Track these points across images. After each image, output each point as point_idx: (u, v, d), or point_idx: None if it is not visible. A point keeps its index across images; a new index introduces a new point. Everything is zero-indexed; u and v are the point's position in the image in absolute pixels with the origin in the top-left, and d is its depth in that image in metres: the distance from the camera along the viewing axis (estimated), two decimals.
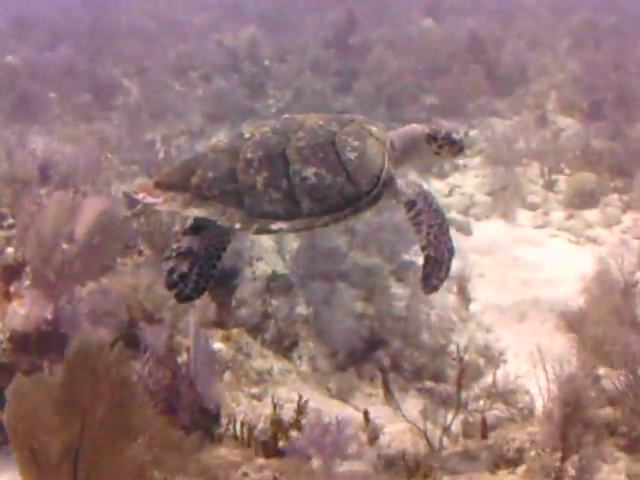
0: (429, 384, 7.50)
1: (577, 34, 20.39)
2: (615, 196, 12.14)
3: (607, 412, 5.19)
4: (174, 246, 4.17)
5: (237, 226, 4.12)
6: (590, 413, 4.56)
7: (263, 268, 8.39)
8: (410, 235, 9.84)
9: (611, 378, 5.34)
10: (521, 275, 10.04)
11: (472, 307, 9.07)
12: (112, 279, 7.06)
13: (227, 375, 6.55)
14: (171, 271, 4.08)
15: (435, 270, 4.42)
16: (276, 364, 6.84)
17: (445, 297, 8.70)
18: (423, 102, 17.01)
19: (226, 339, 6.82)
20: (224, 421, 6.01)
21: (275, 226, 4.16)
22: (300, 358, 7.15)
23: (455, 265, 9.01)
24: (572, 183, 12.38)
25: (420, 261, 8.36)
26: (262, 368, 6.70)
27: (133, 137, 13.86)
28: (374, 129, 4.67)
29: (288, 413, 6.23)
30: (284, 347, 7.22)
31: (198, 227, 4.22)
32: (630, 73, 17.34)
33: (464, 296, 8.90)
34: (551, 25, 21.81)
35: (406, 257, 9.12)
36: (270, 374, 6.68)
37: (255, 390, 6.48)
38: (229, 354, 6.70)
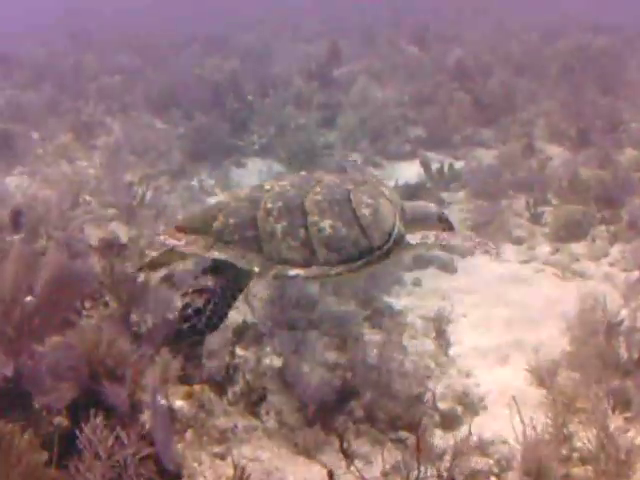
0: (404, 435, 7.28)
1: (566, 58, 20.29)
2: (602, 227, 11.96)
3: (579, 472, 4.99)
4: (192, 282, 4.45)
5: (256, 270, 4.38)
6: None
7: (234, 317, 8.22)
8: (385, 280, 9.75)
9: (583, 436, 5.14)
10: (505, 314, 9.83)
11: (453, 350, 8.87)
12: (74, 334, 6.88)
13: (189, 434, 6.35)
14: (186, 306, 4.41)
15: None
16: (241, 421, 6.62)
17: (423, 343, 8.53)
18: (408, 134, 16.92)
19: (188, 396, 6.62)
20: None
21: (292, 272, 4.44)
22: (267, 413, 6.93)
23: (434, 307, 8.94)
24: (558, 216, 12.19)
25: (396, 306, 8.20)
26: (225, 426, 6.48)
27: (112, 178, 13.71)
28: (387, 191, 5.09)
29: (253, 473, 6.12)
30: (251, 402, 7.00)
31: (216, 269, 4.48)
32: (619, 97, 17.24)
33: (443, 340, 8.67)
34: (539, 50, 21.73)
35: (381, 302, 8.96)
36: (233, 432, 6.47)
37: (218, 449, 6.27)
38: (191, 412, 6.49)
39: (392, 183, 14.47)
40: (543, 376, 7.05)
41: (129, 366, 6.51)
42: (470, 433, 7.05)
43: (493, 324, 9.61)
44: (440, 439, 7.28)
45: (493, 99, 17.89)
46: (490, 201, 12.98)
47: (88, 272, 7.76)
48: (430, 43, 21.96)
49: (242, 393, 7.14)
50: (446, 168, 14.48)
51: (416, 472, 5.41)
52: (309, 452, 6.52)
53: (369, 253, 4.64)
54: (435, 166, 14.70)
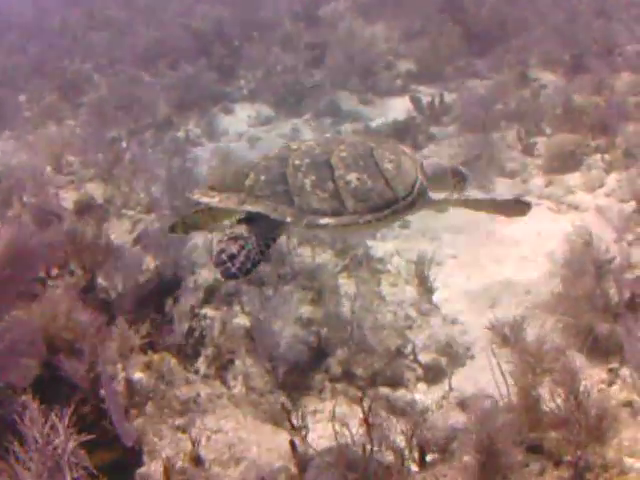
0: (385, 391, 6.74)
1: None
2: (597, 156, 11.15)
3: (550, 438, 4.39)
4: (227, 232, 4.47)
5: (288, 219, 4.48)
6: (511, 459, 3.78)
7: (205, 276, 7.67)
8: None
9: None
10: (496, 253, 9.21)
11: (439, 295, 8.28)
12: (31, 308, 6.38)
13: (149, 407, 5.84)
14: (221, 251, 4.35)
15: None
16: (203, 390, 6.09)
17: (404, 290, 7.92)
18: (399, 69, 16.10)
19: (147, 367, 6.10)
20: (146, 458, 5.42)
21: (323, 221, 4.54)
22: (235, 378, 6.40)
23: (417, 251, 8.31)
24: (551, 146, 11.42)
25: (378, 251, 7.44)
26: (187, 396, 5.96)
27: (94, 136, 13.07)
28: (407, 150, 5.19)
29: (215, 445, 5.62)
30: (218, 367, 6.48)
31: (250, 220, 4.54)
32: (613, 20, 16.25)
33: (427, 285, 8.04)
34: None
35: (362, 249, 8.36)
36: (196, 402, 5.94)
37: (180, 421, 5.76)
38: (150, 383, 5.97)
39: (382, 119, 13.81)
40: (506, 334, 6.19)
41: (87, 339, 6.04)
42: (450, 388, 6.55)
43: (483, 264, 9.01)
44: (423, 394, 6.79)
45: (485, 28, 16.93)
46: (481, 134, 12.18)
47: (49, 242, 7.29)
48: None
49: (208, 358, 6.64)
50: (437, 101, 13.68)
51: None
52: (277, 419, 5.97)
53: (395, 203, 4.78)
54: (425, 100, 13.88)
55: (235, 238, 4.42)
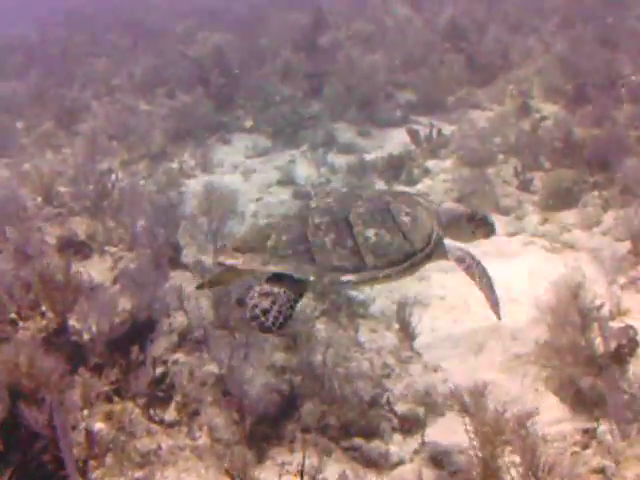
0: (358, 442, 6.59)
1: (564, 11, 19.12)
2: (595, 193, 11.01)
3: None
4: (257, 289, 4.78)
5: (312, 278, 4.77)
6: None
7: (180, 319, 7.56)
8: None
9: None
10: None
11: (424, 339, 8.15)
12: None
13: (109, 458, 5.74)
14: (254, 306, 4.67)
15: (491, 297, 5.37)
16: (166, 441, 5.98)
17: (383, 337, 7.78)
18: (398, 99, 16.05)
19: (108, 416, 5.99)
20: None
21: (345, 278, 4.82)
22: (200, 429, 6.27)
23: (403, 292, 8.18)
24: (547, 182, 11.29)
25: (359, 295, 7.36)
26: (148, 447, 5.85)
27: (85, 167, 13.04)
28: (422, 200, 5.46)
29: None
30: (185, 416, 6.36)
31: (275, 279, 4.83)
32: (618, 49, 16.12)
33: (407, 332, 7.90)
34: (537, 4, 20.53)
35: (342, 292, 8.26)
36: (157, 454, 5.82)
37: (139, 474, 5.65)
38: (111, 434, 5.87)
39: (379, 152, 13.73)
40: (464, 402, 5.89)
41: (49, 387, 5.96)
42: (423, 442, 6.40)
43: (471, 307, 8.84)
44: (398, 445, 6.64)
45: (488, 58, 16.88)
46: (477, 168, 12.07)
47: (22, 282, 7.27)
48: (422, 3, 20.90)
49: (177, 405, 6.52)
50: (434, 134, 13.60)
51: None
52: (242, 472, 5.83)
53: (412, 255, 5.01)
54: (423, 132, 13.79)
55: (266, 294, 4.72)
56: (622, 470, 5.05)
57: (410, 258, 4.98)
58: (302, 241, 4.88)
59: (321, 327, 7.68)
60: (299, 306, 7.76)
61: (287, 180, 13.26)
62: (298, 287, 4.84)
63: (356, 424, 6.66)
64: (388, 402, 6.85)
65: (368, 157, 13.67)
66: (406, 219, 5.10)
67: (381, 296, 8.88)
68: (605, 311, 7.58)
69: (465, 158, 12.61)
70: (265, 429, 6.49)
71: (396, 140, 14.37)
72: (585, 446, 5.55)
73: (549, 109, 14.79)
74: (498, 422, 4.83)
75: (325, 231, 4.91)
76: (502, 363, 7.64)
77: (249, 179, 13.74)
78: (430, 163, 13.01)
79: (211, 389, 6.63)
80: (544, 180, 11.53)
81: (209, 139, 15.60)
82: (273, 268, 4.83)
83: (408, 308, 8.02)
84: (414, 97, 16.14)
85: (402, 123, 15.24)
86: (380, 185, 12.52)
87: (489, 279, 5.41)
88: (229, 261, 4.99)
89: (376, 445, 6.57)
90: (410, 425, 6.79)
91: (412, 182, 12.39)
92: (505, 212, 11.13)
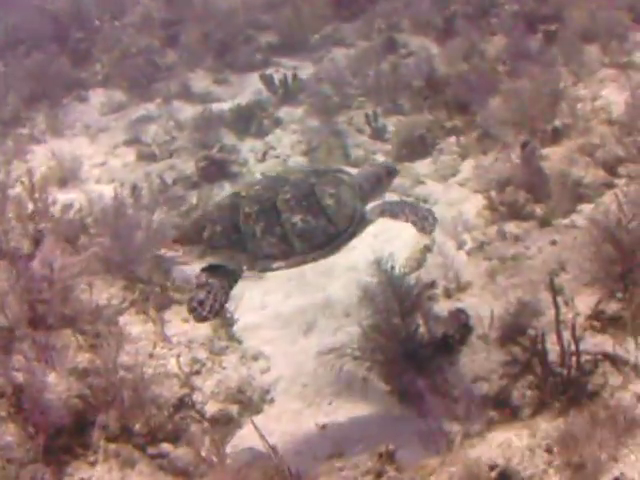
0: (166, 448, 6.19)
1: None
2: (452, 140, 10.63)
3: None
4: (194, 281, 5.39)
5: (244, 268, 5.37)
6: None
7: None
8: None
9: None
10: (328, 262, 8.63)
11: (251, 319, 7.75)
12: None
13: None
14: (191, 299, 5.25)
15: (424, 223, 5.85)
16: None
17: (195, 327, 7.29)
18: (259, 42, 15.39)
19: None
20: None
21: (275, 264, 5.39)
22: None
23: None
24: (399, 129, 10.86)
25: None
26: None
27: None
28: (346, 177, 5.88)
29: None
30: None
31: (212, 267, 5.38)
32: None
33: (223, 319, 7.44)
34: None
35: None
36: None
37: None
38: None
39: (238, 101, 13.15)
40: None
41: None
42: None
43: (307, 277, 8.42)
44: (207, 451, 6.24)
45: None
46: (330, 116, 11.58)
47: None
48: None
49: None
50: (290, 79, 13.02)
51: None
52: None
53: (337, 237, 5.51)
54: (278, 78, 13.20)
55: (202, 285, 5.27)
56: None
57: (335, 240, 5.51)
58: (234, 231, 5.36)
59: (129, 320, 7.17)
60: (105, 299, 7.36)
61: (134, 140, 12.62)
62: (234, 272, 5.37)
63: (163, 429, 6.28)
64: (193, 402, 6.45)
65: (225, 106, 13.04)
66: (330, 201, 5.51)
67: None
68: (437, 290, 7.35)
69: (317, 105, 12.08)
70: (66, 441, 6.01)
71: (255, 87, 13.75)
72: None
73: (418, 43, 14.27)
74: None
75: (255, 220, 5.36)
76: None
77: (96, 140, 13.06)
78: (282, 112, 12.47)
79: (6, 401, 6.07)
80: (396, 127, 11.09)
81: (65, 98, 14.89)
82: (210, 259, 5.36)
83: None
84: (276, 38, 15.45)
85: (263, 66, 14.64)
86: (231, 139, 11.98)
87: (412, 205, 6.21)
88: (170, 253, 5.83)
89: (184, 451, 6.19)
90: (221, 426, 6.42)
91: (263, 134, 11.87)
92: (355, 165, 10.47)
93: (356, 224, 5.64)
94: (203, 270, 5.39)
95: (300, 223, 5.38)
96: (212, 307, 5.16)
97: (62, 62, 15.69)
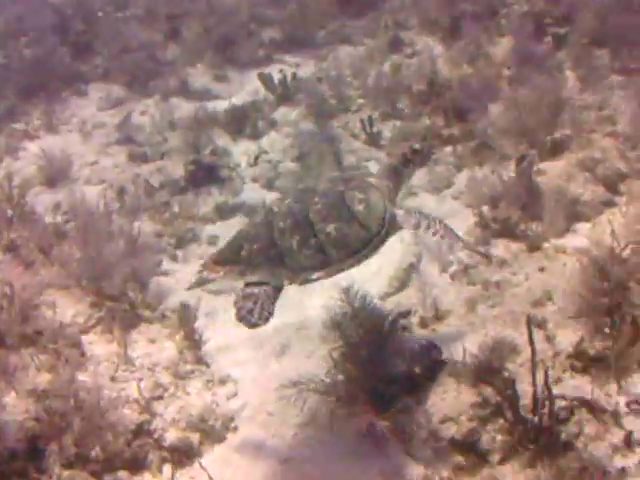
0: (123, 476, 5.95)
1: None
2: (449, 149, 10.25)
3: None
4: (240, 293, 5.40)
5: (285, 283, 5.47)
6: None
7: None
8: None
9: None
10: None
11: (223, 341, 7.48)
12: None
13: None
14: (240, 309, 5.30)
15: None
16: None
17: (161, 349, 7.01)
18: (262, 37, 15.03)
19: None
20: None
21: (314, 276, 5.47)
22: None
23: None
24: (393, 136, 10.51)
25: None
26: None
27: None
28: (373, 180, 6.02)
29: None
30: None
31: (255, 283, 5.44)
32: None
33: (192, 340, 7.15)
34: None
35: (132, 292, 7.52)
36: None
37: None
38: None
39: (237, 99, 12.84)
40: None
41: None
42: None
43: (292, 295, 8.04)
44: None
45: None
46: (326, 120, 11.25)
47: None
48: None
49: None
50: (289, 78, 12.68)
51: None
52: None
53: (370, 241, 5.58)
54: (277, 78, 12.84)
55: (248, 295, 5.34)
56: None
57: (369, 243, 5.57)
58: (271, 247, 5.47)
59: (93, 339, 6.90)
60: (70, 316, 7.07)
61: (127, 138, 12.36)
62: (275, 286, 5.43)
63: (121, 456, 6.05)
64: (150, 432, 6.18)
65: (223, 104, 12.70)
66: (360, 207, 5.62)
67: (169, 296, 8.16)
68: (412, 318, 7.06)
69: (314, 107, 11.73)
70: (21, 465, 5.80)
71: (254, 85, 13.40)
72: None
73: (424, 43, 13.86)
74: None
75: (290, 234, 5.48)
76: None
77: (89, 138, 12.78)
78: (279, 113, 12.14)
79: None
80: (392, 134, 10.74)
81: (65, 92, 14.64)
82: (250, 278, 5.43)
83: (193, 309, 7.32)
84: (280, 34, 15.08)
85: (266, 63, 14.31)
86: (225, 140, 11.67)
87: (449, 229, 5.92)
88: (212, 275, 5.57)
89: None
90: (181, 456, 6.17)
91: (258, 135, 11.55)
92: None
93: (388, 225, 5.70)
94: (247, 285, 5.45)
95: (334, 232, 5.49)
96: (261, 314, 5.23)
97: (63, 54, 15.48)
